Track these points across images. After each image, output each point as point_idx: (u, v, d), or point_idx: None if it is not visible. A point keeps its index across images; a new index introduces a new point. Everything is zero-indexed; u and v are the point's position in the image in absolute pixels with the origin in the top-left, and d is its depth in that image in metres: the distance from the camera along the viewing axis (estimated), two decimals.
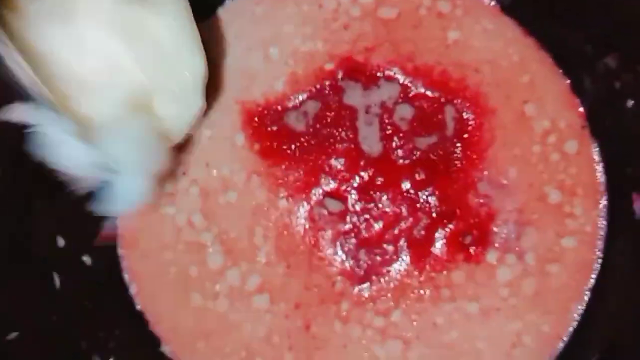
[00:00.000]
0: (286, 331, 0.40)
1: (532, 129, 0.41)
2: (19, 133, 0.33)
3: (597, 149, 0.40)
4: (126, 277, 0.42)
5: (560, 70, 0.41)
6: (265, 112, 0.42)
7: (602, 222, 0.40)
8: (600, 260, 0.40)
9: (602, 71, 0.38)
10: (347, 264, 0.40)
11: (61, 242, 0.38)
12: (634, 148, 0.38)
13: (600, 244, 0.40)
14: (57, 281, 0.37)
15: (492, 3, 0.42)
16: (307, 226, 0.41)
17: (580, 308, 0.40)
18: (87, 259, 0.39)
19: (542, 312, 0.40)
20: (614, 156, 0.40)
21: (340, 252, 0.41)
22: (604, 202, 0.40)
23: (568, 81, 0.41)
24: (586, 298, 0.40)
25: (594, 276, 0.40)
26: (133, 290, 0.42)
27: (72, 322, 0.37)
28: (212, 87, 0.41)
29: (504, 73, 0.41)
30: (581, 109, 0.41)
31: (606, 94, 0.39)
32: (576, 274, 0.40)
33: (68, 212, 0.38)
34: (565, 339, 0.40)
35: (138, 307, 0.41)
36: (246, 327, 0.40)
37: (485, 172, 0.40)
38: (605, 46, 0.38)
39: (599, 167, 0.41)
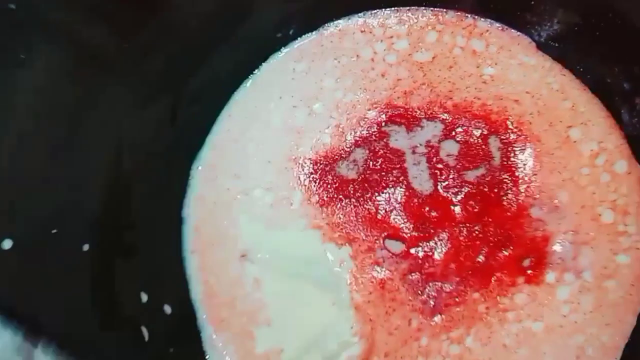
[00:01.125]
0: None
1: (579, 152, 0.42)
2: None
3: None
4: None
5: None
6: (318, 165, 0.44)
7: None
8: None
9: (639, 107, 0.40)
10: (417, 300, 0.42)
11: (144, 297, 0.40)
12: None
13: None
14: (145, 334, 0.39)
15: (529, 41, 0.44)
16: (373, 271, 0.42)
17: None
18: (167, 309, 0.41)
19: (602, 325, 0.41)
20: None
21: (409, 290, 0.42)
22: None
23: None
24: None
25: None
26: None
27: None
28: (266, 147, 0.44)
29: (545, 101, 0.43)
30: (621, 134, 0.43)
31: None
32: (631, 288, 0.42)
33: (149, 270, 0.40)
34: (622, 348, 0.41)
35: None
36: None
37: (537, 197, 0.42)
38: None
39: None
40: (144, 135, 0.40)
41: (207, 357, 0.41)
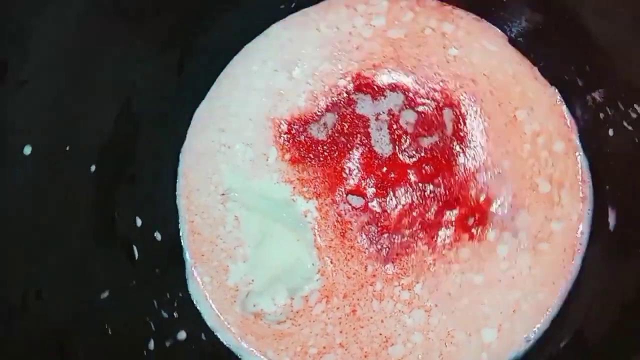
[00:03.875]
0: (337, 320, 0.47)
1: (522, 131, 0.47)
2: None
3: (587, 164, 0.47)
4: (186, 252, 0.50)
5: (554, 90, 0.48)
6: (292, 126, 0.49)
7: (586, 213, 0.46)
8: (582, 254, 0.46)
9: (590, 103, 0.45)
10: (373, 249, 0.48)
11: (139, 221, 0.47)
12: (611, 169, 0.45)
13: (582, 232, 0.46)
14: (136, 253, 0.46)
15: (500, 34, 0.49)
16: (335, 221, 0.48)
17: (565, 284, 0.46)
18: (157, 235, 0.48)
19: (537, 284, 0.46)
20: (597, 173, 0.46)
21: (366, 240, 0.48)
22: (586, 201, 0.46)
23: (557, 96, 0.48)
24: (570, 277, 0.46)
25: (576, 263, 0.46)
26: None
27: (146, 286, 0.46)
28: (248, 106, 0.50)
29: (498, 84, 0.48)
30: (567, 119, 0.47)
31: (592, 122, 0.45)
32: (563, 253, 0.47)
33: (146, 199, 0.47)
34: (552, 310, 0.46)
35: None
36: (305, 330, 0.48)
37: (482, 165, 0.47)
38: (594, 81, 0.44)
39: (584, 172, 0.47)
40: (153, 81, 0.46)
41: (187, 283, 0.49)
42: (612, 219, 0.44)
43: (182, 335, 0.46)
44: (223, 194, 0.49)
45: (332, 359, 0.47)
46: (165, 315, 0.46)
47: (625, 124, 0.41)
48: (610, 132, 0.43)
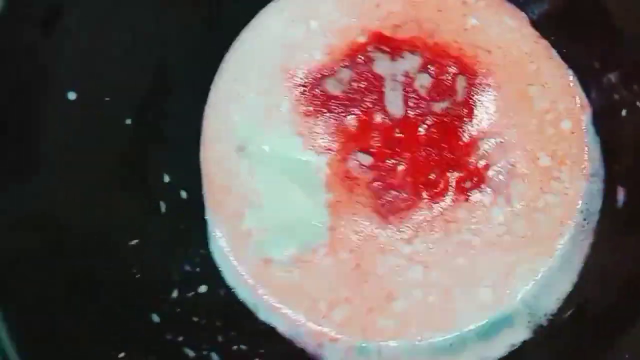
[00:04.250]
0: (344, 274, 0.49)
1: (532, 106, 0.49)
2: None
3: (599, 142, 0.49)
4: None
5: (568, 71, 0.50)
6: (307, 79, 0.49)
7: (589, 193, 0.49)
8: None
9: (605, 84, 0.47)
10: (377, 205, 0.49)
11: (166, 178, 0.47)
12: (622, 148, 0.48)
13: (579, 210, 0.49)
14: (163, 207, 0.47)
15: (520, 13, 0.50)
16: (345, 177, 0.49)
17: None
18: (183, 193, 0.49)
19: (532, 251, 0.49)
20: (608, 152, 0.49)
21: (372, 196, 0.49)
22: (594, 180, 0.49)
23: (572, 77, 0.50)
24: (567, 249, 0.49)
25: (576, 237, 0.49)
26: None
27: (172, 239, 0.47)
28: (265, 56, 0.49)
29: (513, 58, 0.49)
30: (579, 101, 0.50)
31: (606, 103, 0.48)
32: (559, 226, 0.49)
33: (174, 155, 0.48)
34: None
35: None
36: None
37: (487, 132, 0.50)
38: (610, 64, 0.47)
39: (593, 152, 0.49)
40: (187, 36, 0.46)
41: (208, 242, 0.50)
42: (620, 197, 0.48)
43: (203, 288, 0.48)
44: (238, 146, 0.49)
45: (340, 313, 0.50)
46: (188, 268, 0.47)
47: (638, 104, 0.45)
48: (624, 112, 0.46)
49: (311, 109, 0.49)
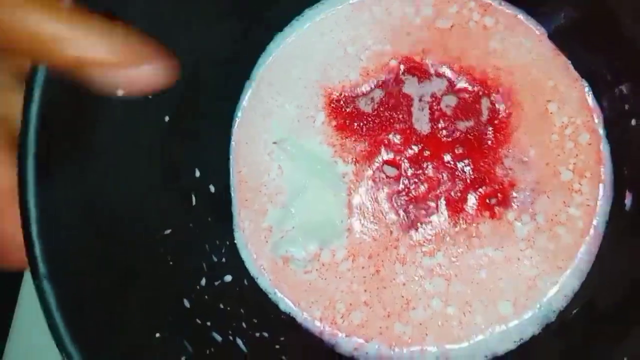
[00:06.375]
0: (362, 279, 0.52)
1: (552, 122, 0.52)
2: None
3: (609, 150, 0.51)
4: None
5: (583, 83, 0.52)
6: (342, 96, 0.54)
7: (602, 200, 0.51)
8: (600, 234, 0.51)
9: (617, 95, 0.49)
10: (400, 215, 0.52)
11: (197, 173, 0.52)
12: (630, 155, 0.49)
13: (598, 218, 0.51)
14: (193, 200, 0.51)
15: (538, 28, 0.54)
16: (369, 186, 0.53)
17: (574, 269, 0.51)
18: (212, 188, 0.53)
19: (552, 266, 0.50)
20: (617, 158, 0.51)
21: (394, 207, 0.53)
22: (605, 187, 0.51)
23: (587, 89, 0.52)
24: (585, 259, 0.51)
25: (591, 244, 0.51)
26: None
27: (200, 230, 0.51)
28: (305, 73, 0.55)
29: (533, 77, 0.53)
30: (595, 112, 0.52)
31: (617, 112, 0.50)
32: (580, 238, 0.51)
33: (205, 153, 0.52)
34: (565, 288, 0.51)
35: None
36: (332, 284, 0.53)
37: (510, 151, 0.52)
38: (622, 76, 0.49)
39: (605, 160, 0.51)
40: (220, 46, 0.51)
41: (234, 234, 0.54)
42: (628, 201, 0.49)
43: (228, 278, 0.51)
44: (274, 143, 0.54)
45: (359, 316, 0.51)
46: (214, 259, 0.51)
47: None
48: (633, 121, 0.48)
49: (343, 123, 0.54)
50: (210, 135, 0.53)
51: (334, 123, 0.54)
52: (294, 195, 0.53)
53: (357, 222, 0.52)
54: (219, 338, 0.48)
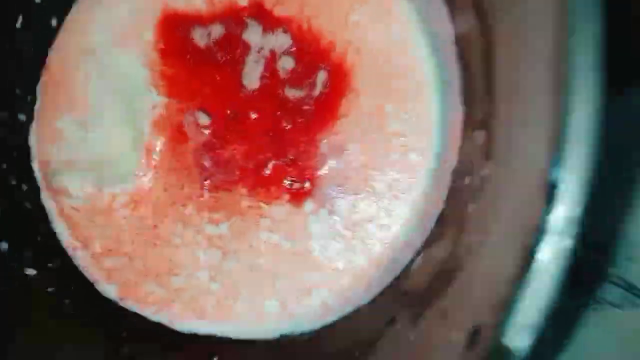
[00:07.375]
0: (136, 229, 0.47)
1: (384, 124, 0.45)
2: None
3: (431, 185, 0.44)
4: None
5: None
6: (179, 20, 0.48)
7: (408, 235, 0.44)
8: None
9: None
10: (196, 173, 0.47)
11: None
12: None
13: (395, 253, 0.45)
14: None
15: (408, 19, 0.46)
16: (175, 128, 0.47)
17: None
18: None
19: (342, 283, 0.45)
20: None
21: (195, 160, 0.47)
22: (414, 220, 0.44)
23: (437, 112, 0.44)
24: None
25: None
26: None
27: None
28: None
29: (381, 69, 0.45)
30: (431, 134, 0.44)
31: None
32: (372, 264, 0.44)
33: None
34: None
35: None
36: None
37: (332, 137, 0.46)
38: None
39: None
40: None
41: None
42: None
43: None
44: (86, 49, 0.48)
45: (112, 262, 0.47)
46: None
47: None
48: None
49: (170, 49, 0.48)
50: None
51: (160, 45, 0.48)
52: (88, 121, 0.48)
53: (149, 168, 0.47)
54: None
